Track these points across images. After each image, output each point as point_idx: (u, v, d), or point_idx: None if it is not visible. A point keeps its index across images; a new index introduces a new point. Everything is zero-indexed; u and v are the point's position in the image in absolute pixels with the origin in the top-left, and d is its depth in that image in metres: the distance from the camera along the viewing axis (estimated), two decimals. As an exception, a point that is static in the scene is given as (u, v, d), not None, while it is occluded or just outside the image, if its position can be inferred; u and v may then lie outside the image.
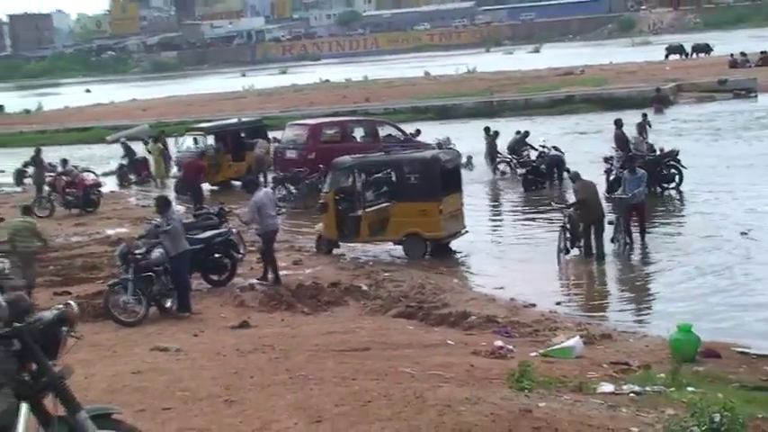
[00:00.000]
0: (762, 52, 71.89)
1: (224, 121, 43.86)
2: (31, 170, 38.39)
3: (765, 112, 49.39)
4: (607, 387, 11.20)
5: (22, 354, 5.33)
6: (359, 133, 37.07)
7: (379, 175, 24.68)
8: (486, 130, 37.03)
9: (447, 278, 21.57)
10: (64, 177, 34.38)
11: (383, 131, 37.03)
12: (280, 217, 26.74)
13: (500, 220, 29.10)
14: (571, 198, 24.85)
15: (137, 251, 17.73)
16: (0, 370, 5.22)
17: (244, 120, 43.99)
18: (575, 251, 22.47)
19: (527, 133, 36.34)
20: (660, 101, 52.47)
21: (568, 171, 30.80)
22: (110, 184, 39.10)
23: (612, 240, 22.83)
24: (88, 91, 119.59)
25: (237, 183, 37.60)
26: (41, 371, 5.37)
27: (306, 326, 16.29)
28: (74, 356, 5.65)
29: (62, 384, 5.44)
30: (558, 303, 19.19)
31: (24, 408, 5.21)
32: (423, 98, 63.75)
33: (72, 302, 5.98)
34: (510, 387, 10.28)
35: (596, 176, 26.47)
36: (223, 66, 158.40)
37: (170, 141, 43.02)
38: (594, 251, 22.19)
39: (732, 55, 70.86)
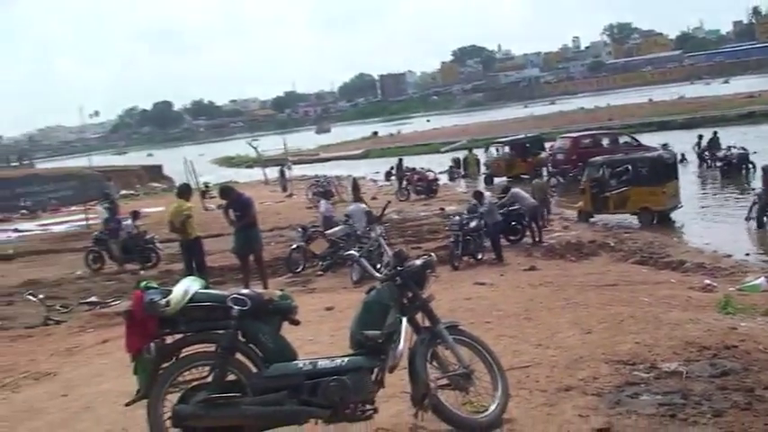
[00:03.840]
0: None
1: (515, 137, 43.70)
2: (395, 172, 39.49)
3: None
4: (788, 312, 10.41)
5: (402, 286, 5.45)
6: (605, 141, 36.07)
7: (620, 168, 23.98)
8: (699, 137, 35.36)
9: (669, 237, 20.71)
10: (416, 175, 35.20)
11: (622, 140, 36.06)
12: (553, 199, 26.53)
13: (705, 199, 27.56)
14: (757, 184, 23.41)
15: (463, 222, 17.93)
16: (390, 297, 5.37)
17: (528, 135, 43.70)
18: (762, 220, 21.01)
19: (716, 136, 34.61)
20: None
21: (753, 164, 29.08)
22: (443, 179, 39.48)
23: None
24: (428, 120, 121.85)
25: (525, 176, 37.58)
26: (414, 297, 5.48)
27: (573, 269, 15.95)
28: (432, 288, 5.71)
29: (428, 306, 5.54)
30: (748, 254, 18.02)
31: (404, 321, 5.32)
32: (647, 116, 61.29)
33: (433, 254, 6.09)
34: (718, 312, 9.73)
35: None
36: (513, 101, 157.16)
37: (479, 151, 43.32)
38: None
39: None
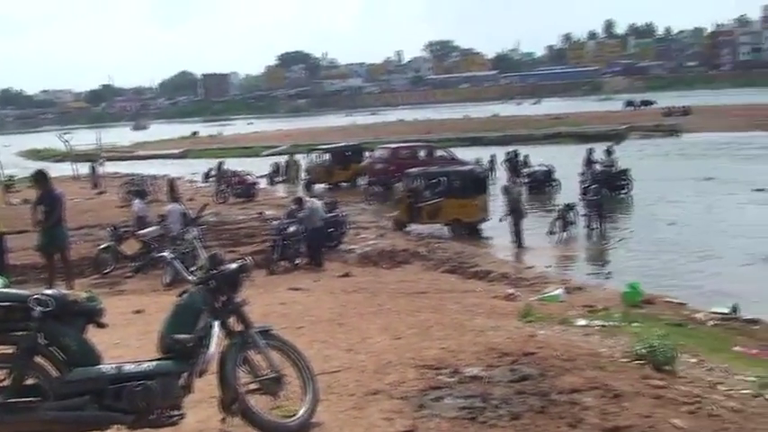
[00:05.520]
0: (683, 106, 71.13)
1: (335, 144, 44.13)
2: (214, 173, 38.83)
3: (686, 145, 48.76)
4: (582, 321, 11.11)
5: (216, 290, 5.40)
6: (422, 154, 37.02)
7: (435, 180, 24.78)
8: (507, 153, 36.96)
9: (477, 248, 21.58)
10: (235, 178, 34.81)
11: (438, 153, 37.16)
12: (372, 206, 26.92)
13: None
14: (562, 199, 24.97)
15: (282, 227, 17.92)
16: (203, 300, 5.31)
17: (348, 144, 44.26)
18: (562, 234, 22.40)
19: (517, 153, 36.40)
20: (619, 136, 52.15)
21: (558, 181, 30.87)
22: (263, 183, 39.23)
23: (586, 226, 22.74)
24: (251, 123, 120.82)
25: (345, 184, 38.17)
26: (228, 301, 5.44)
27: (386, 276, 16.33)
28: (246, 293, 5.70)
29: (241, 310, 5.51)
30: (548, 266, 19.10)
31: (216, 324, 5.28)
32: (463, 132, 63.57)
33: (250, 258, 6.07)
34: (519, 320, 10.26)
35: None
36: (337, 109, 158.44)
37: (300, 157, 43.45)
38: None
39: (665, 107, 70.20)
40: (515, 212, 22.04)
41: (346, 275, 16.24)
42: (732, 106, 73.15)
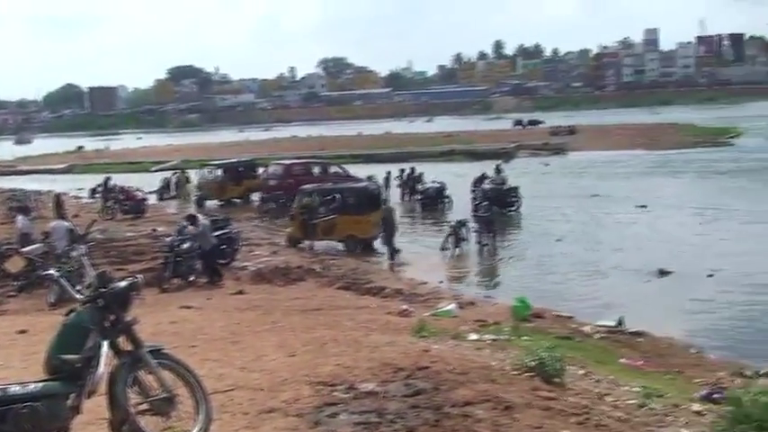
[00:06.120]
0: (569, 126, 73.48)
1: (228, 160, 43.60)
2: (101, 189, 37.79)
3: (572, 163, 50.40)
4: (473, 336, 11.32)
5: (104, 308, 5.27)
6: (316, 170, 37.06)
7: (329, 197, 24.86)
8: (401, 170, 37.30)
9: (371, 264, 21.73)
10: (122, 194, 34.00)
11: (332, 170, 37.22)
12: (265, 223, 26.76)
13: (406, 229, 29.21)
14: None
15: (174, 244, 17.60)
16: (91, 319, 5.18)
17: (242, 159, 43.86)
18: (454, 250, 22.80)
19: (412, 171, 36.77)
20: (508, 154, 53.43)
21: (450, 198, 31.46)
22: (152, 199, 38.41)
23: (478, 243, 23.20)
24: (140, 138, 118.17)
25: (237, 200, 37.80)
26: (117, 320, 5.32)
27: (281, 294, 16.23)
28: (137, 311, 5.58)
29: (131, 329, 5.39)
30: (441, 282, 19.39)
31: (105, 344, 5.15)
32: (357, 149, 63.85)
33: (140, 276, 5.95)
34: (413, 335, 10.37)
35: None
36: (229, 125, 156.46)
37: (192, 172, 42.78)
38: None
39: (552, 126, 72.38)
40: (387, 228, 22.39)
41: (240, 293, 16.08)
42: (615, 126, 76.08)
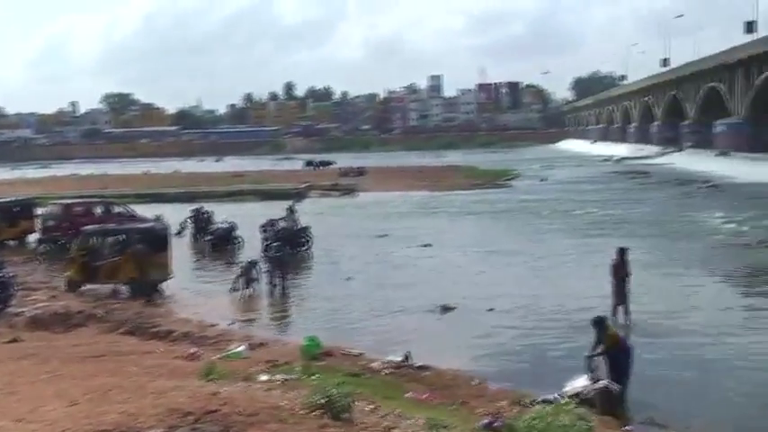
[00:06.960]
0: (359, 167, 75.49)
1: (1, 199, 40.95)
2: None
3: (361, 204, 51.73)
4: (264, 377, 11.33)
5: None
6: (98, 210, 35.68)
7: (114, 238, 24.02)
8: (191, 210, 36.66)
9: (158, 308, 21.14)
10: None
11: (116, 209, 35.98)
12: (43, 266, 25.44)
13: (196, 269, 28.76)
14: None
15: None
16: None
17: (17, 199, 41.30)
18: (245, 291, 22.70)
19: (200, 210, 36.48)
20: (299, 195, 54.03)
21: (240, 238, 31.36)
22: None
23: (269, 283, 23.19)
24: None
25: (12, 242, 35.60)
26: None
27: (59, 341, 15.49)
28: None
29: None
30: (232, 323, 19.20)
31: None
32: (143, 187, 62.23)
33: None
34: (201, 379, 10.24)
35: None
36: (4, 162, 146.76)
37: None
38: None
39: (341, 168, 73.97)
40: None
41: (14, 341, 15.17)
42: (402, 168, 78.95)
